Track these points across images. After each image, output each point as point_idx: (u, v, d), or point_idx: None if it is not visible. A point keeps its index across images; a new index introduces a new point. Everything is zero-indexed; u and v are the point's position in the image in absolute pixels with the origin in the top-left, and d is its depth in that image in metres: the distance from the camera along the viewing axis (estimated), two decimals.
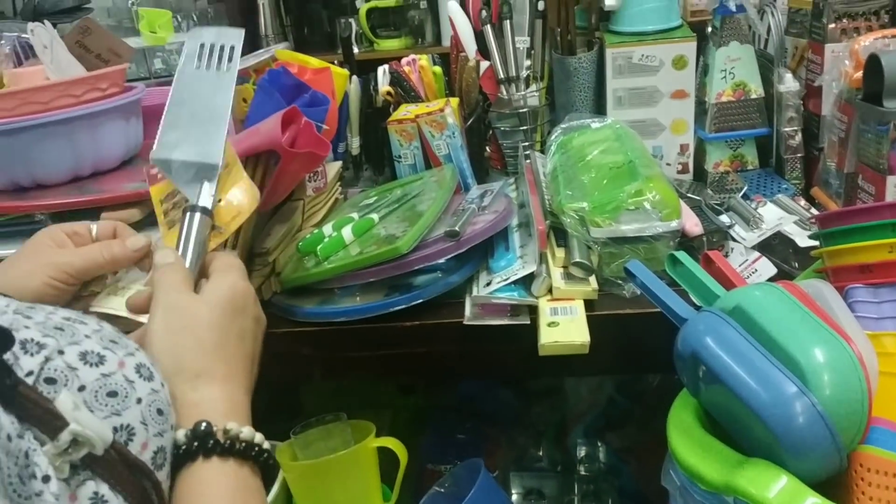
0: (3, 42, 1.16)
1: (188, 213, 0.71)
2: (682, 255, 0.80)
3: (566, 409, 1.44)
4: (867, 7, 1.03)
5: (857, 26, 1.02)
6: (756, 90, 1.14)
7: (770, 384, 0.62)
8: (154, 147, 0.75)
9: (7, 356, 0.44)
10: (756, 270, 0.89)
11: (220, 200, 0.74)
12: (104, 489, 0.46)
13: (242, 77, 1.25)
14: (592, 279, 0.92)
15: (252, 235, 0.94)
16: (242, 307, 0.65)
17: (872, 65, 0.89)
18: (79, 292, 0.74)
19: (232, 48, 0.76)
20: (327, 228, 1.01)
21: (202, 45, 0.76)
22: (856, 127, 0.92)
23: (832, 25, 1.03)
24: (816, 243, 0.79)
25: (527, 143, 1.29)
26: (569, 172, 1.03)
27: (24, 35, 1.15)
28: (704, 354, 0.67)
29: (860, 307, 0.70)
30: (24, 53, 1.16)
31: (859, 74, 0.92)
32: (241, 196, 0.75)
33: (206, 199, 0.72)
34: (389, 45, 3.01)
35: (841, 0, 1.04)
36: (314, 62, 1.19)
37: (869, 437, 0.62)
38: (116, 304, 0.73)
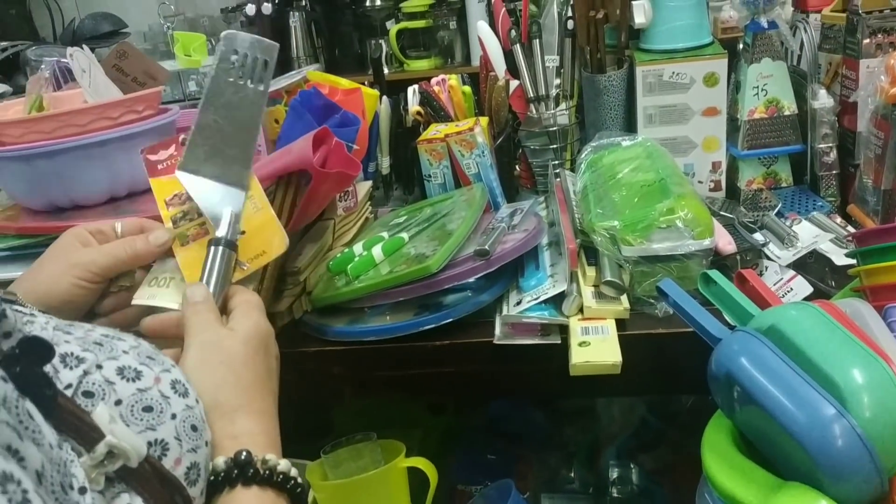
0: (43, 66, 1.19)
1: (213, 247, 0.71)
2: (715, 274, 0.79)
3: (598, 430, 1.43)
4: None
5: (893, 41, 1.01)
6: (789, 107, 1.13)
7: (807, 406, 0.61)
8: (181, 159, 0.76)
9: (48, 368, 0.45)
10: (791, 289, 0.88)
11: (243, 232, 0.75)
12: (138, 502, 0.46)
13: (274, 98, 1.26)
14: (624, 298, 0.91)
15: (284, 254, 0.95)
16: (267, 345, 0.67)
17: None
18: (107, 289, 0.75)
19: (266, 62, 0.77)
20: (357, 248, 1.01)
21: (236, 52, 0.77)
22: (893, 143, 0.91)
23: (867, 41, 1.02)
24: (853, 262, 0.78)
25: (557, 162, 1.28)
26: (599, 191, 1.03)
27: (63, 59, 1.18)
28: (739, 375, 0.66)
29: None
30: (64, 77, 1.19)
31: (895, 91, 0.90)
32: (269, 237, 0.76)
33: (231, 231, 0.73)
34: (419, 65, 3.04)
35: (876, 15, 1.03)
36: (345, 83, 1.20)
37: None
38: (157, 297, 0.74)
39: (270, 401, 0.64)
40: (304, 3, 3.10)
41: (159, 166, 0.83)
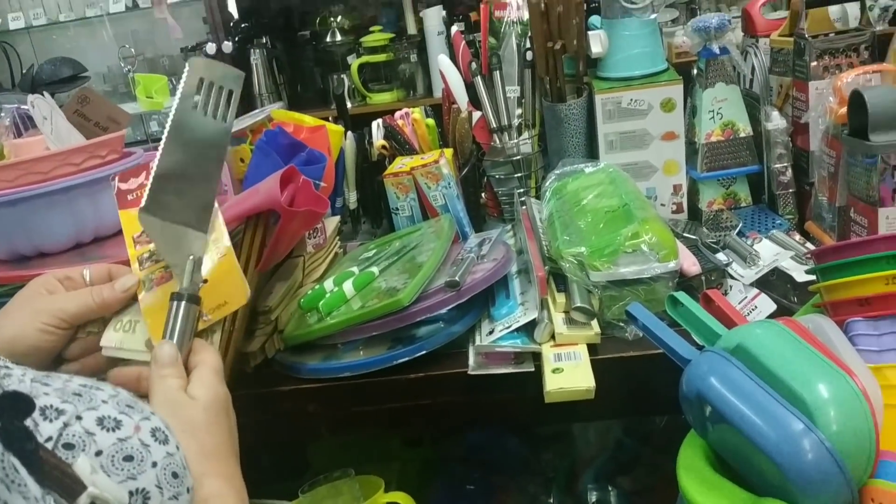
0: (2, 114, 1.18)
1: (176, 303, 0.71)
2: (681, 296, 0.80)
3: (575, 455, 1.43)
4: (847, 44, 1.05)
5: (839, 63, 1.05)
6: (744, 129, 1.16)
7: (777, 422, 0.62)
8: (143, 200, 0.76)
9: (28, 422, 0.45)
10: (756, 307, 0.90)
11: (205, 281, 0.75)
12: None
13: (239, 138, 1.27)
14: (594, 323, 0.93)
15: (254, 294, 0.94)
16: (227, 410, 0.69)
17: (856, 100, 0.90)
18: (75, 334, 0.75)
19: (230, 93, 0.77)
20: (328, 284, 1.01)
21: (202, 81, 0.77)
22: (844, 161, 0.94)
23: (814, 63, 1.06)
24: (814, 278, 0.80)
25: (522, 190, 1.30)
26: (565, 217, 1.05)
27: (23, 106, 1.17)
28: (710, 395, 0.67)
29: (861, 340, 0.71)
30: (24, 124, 1.19)
31: (844, 110, 0.93)
32: (231, 288, 0.76)
33: (192, 284, 0.73)
34: (382, 98, 3.06)
35: (822, 38, 1.06)
36: (309, 120, 1.21)
37: (878, 471, 0.62)
38: (124, 343, 0.74)
39: (233, 463, 0.66)
40: (264, 40, 3.12)
41: (129, 196, 0.83)
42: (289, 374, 0.96)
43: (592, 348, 0.92)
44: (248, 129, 1.30)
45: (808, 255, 0.93)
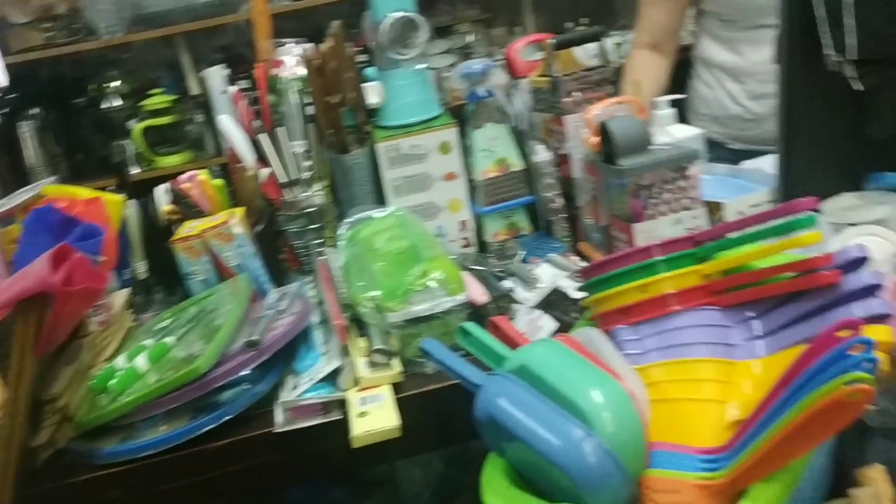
0: None
1: None
2: (469, 326, 0.85)
3: (400, 495, 1.45)
4: (593, 80, 1.17)
5: (589, 97, 1.16)
6: (517, 163, 1.25)
7: (559, 432, 0.67)
8: None
9: None
10: (541, 327, 0.96)
11: None
12: None
13: (6, 218, 1.19)
14: (396, 362, 0.96)
15: (35, 383, 0.89)
16: None
17: (603, 131, 1.01)
18: None
19: None
20: (120, 361, 0.97)
21: None
22: (603, 185, 1.04)
23: (567, 99, 1.16)
24: (586, 294, 0.87)
25: (319, 241, 1.31)
26: (360, 263, 1.07)
27: None
28: (499, 415, 0.71)
29: (626, 346, 0.78)
30: None
31: (595, 139, 1.04)
32: None
33: None
34: (170, 161, 2.97)
35: (572, 77, 1.17)
36: (84, 193, 1.16)
37: (653, 460, 0.69)
38: None
39: None
40: (36, 110, 2.93)
41: None
42: (84, 462, 0.90)
43: (398, 387, 0.94)
44: (18, 207, 1.22)
45: (578, 274, 1.01)
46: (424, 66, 1.27)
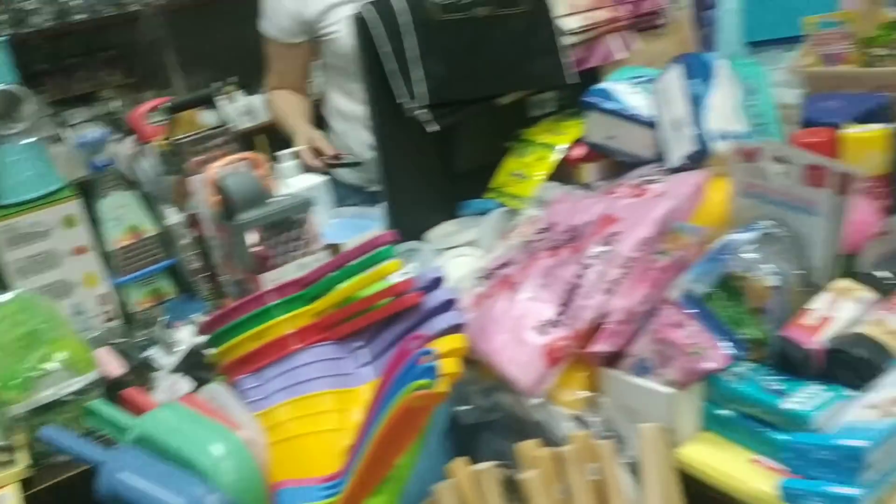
0: None
1: None
2: (94, 404, 0.81)
3: None
4: (213, 142, 1.19)
5: (208, 158, 1.18)
6: (150, 229, 1.23)
7: (182, 493, 0.67)
8: None
9: None
10: (178, 391, 0.95)
11: None
12: None
13: None
14: (22, 457, 0.89)
15: None
16: None
17: (221, 188, 1.03)
18: None
19: None
20: None
21: None
22: (227, 240, 1.06)
23: (191, 160, 1.17)
24: (212, 350, 0.88)
25: None
26: None
27: None
28: (122, 490, 0.69)
29: (249, 394, 0.80)
30: None
31: (215, 197, 1.05)
32: None
33: None
34: None
35: (190, 139, 1.18)
36: None
37: (279, 498, 0.72)
38: None
39: None
40: None
41: None
42: None
43: (29, 482, 0.88)
44: None
45: (199, 330, 1.02)
46: (34, 139, 1.20)
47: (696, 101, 0.83)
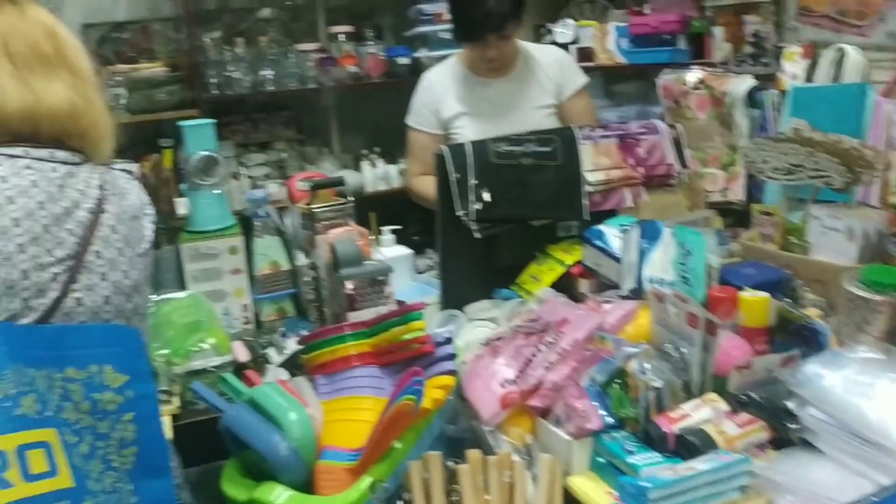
0: None
1: None
2: (227, 376, 1.23)
3: None
4: (336, 215, 1.61)
5: (333, 224, 1.60)
6: (285, 265, 1.66)
7: (266, 437, 1.06)
8: None
9: None
10: (279, 377, 1.36)
11: None
12: None
13: None
14: (176, 400, 1.32)
15: None
16: None
17: (333, 249, 1.45)
18: None
19: None
20: None
21: None
22: (333, 285, 1.47)
23: (320, 224, 1.60)
24: (304, 354, 1.28)
25: None
26: (157, 331, 1.43)
27: None
28: (234, 428, 1.10)
29: (320, 388, 1.19)
30: None
31: (329, 254, 1.47)
32: None
33: None
34: None
35: (322, 210, 1.61)
36: None
37: (322, 455, 1.10)
38: None
39: None
40: None
41: None
42: None
43: (176, 416, 1.30)
44: None
45: (298, 341, 1.42)
46: (220, 190, 1.67)
47: (643, 253, 1.16)
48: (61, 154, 0.92)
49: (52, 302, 0.87)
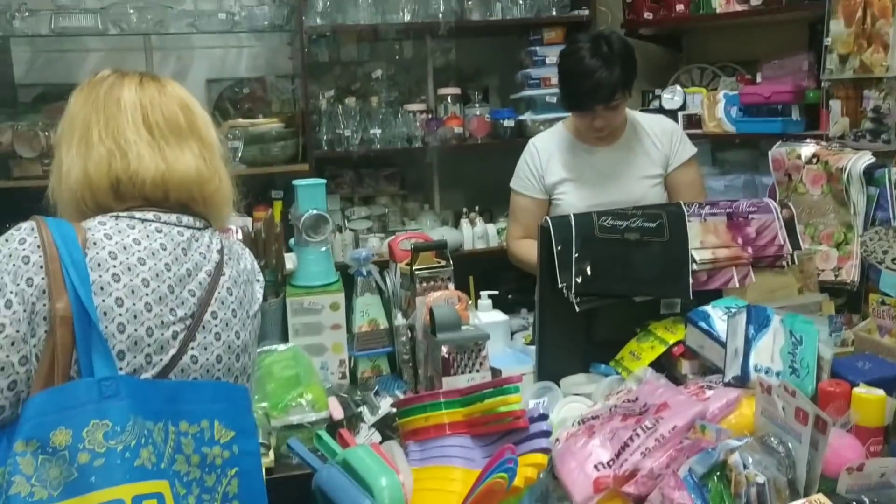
0: None
1: None
2: (321, 433, 1.26)
3: None
4: (438, 276, 1.64)
5: (433, 286, 1.62)
6: (383, 323, 1.69)
7: (357, 502, 1.08)
8: None
9: None
10: (372, 439, 1.37)
11: None
12: None
13: None
14: (271, 453, 1.35)
15: None
16: None
17: (431, 313, 1.46)
18: None
19: None
20: None
21: None
22: (429, 347, 1.49)
23: (420, 286, 1.62)
24: (398, 419, 1.30)
25: None
26: (259, 383, 1.48)
27: None
28: (324, 487, 1.12)
29: (412, 454, 1.20)
30: None
31: (427, 318, 1.49)
32: None
33: None
34: None
35: (423, 270, 1.64)
36: None
37: None
38: None
39: None
40: None
41: None
42: None
43: (269, 470, 1.33)
44: None
45: (393, 406, 1.43)
46: (326, 248, 1.73)
47: (749, 340, 1.12)
48: (187, 219, 0.98)
49: (171, 358, 0.92)
